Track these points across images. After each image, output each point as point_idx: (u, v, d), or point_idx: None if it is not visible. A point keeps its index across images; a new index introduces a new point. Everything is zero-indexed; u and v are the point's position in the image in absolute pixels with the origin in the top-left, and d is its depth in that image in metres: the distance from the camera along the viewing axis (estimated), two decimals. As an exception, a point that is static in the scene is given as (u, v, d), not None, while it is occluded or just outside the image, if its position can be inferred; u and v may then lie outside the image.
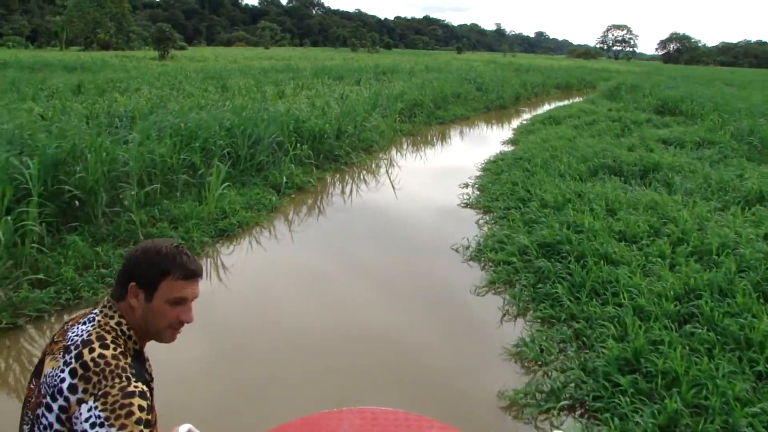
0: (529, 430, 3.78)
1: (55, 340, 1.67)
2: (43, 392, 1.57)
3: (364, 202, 9.28)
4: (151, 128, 9.07)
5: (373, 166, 11.70)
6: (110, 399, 1.48)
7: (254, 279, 6.19)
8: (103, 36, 68.83)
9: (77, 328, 1.65)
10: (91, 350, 1.56)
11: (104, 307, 1.69)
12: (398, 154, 13.26)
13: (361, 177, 10.83)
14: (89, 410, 1.48)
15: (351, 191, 9.87)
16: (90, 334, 1.60)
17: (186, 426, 1.99)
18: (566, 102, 27.21)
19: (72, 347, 1.58)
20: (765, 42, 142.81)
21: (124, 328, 1.66)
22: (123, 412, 1.47)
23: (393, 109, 15.51)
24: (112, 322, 1.65)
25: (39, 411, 1.56)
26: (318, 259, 6.79)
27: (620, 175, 9.56)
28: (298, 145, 10.33)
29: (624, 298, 4.98)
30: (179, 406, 3.69)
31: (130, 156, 7.30)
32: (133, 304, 1.68)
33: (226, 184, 8.10)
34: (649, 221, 6.87)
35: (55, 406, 1.52)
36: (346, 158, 11.33)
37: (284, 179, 9.06)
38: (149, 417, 1.53)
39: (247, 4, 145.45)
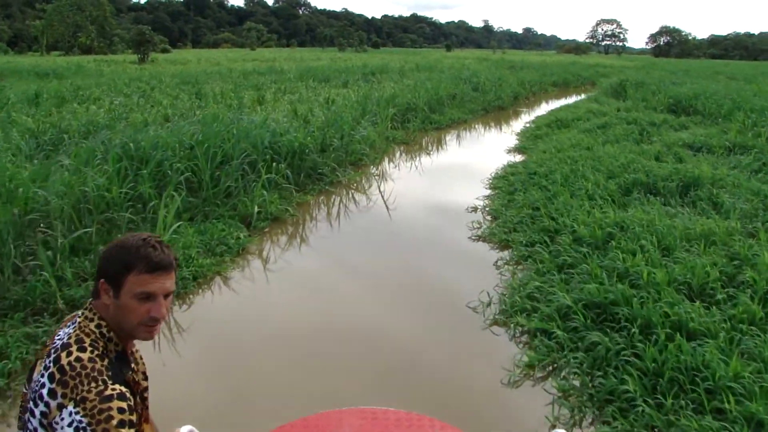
0: None
1: (47, 344, 1.66)
2: (29, 397, 1.57)
3: (353, 235, 7.69)
4: (96, 150, 7.49)
5: (364, 184, 10.13)
6: (89, 404, 1.47)
7: (206, 358, 4.61)
8: (84, 40, 67.08)
9: (62, 331, 1.64)
10: (69, 354, 1.54)
11: (86, 309, 1.67)
12: (392, 167, 11.70)
13: (350, 198, 9.26)
14: (70, 415, 1.47)
15: (338, 220, 8.26)
16: (70, 337, 1.59)
17: (187, 427, 2.01)
18: (565, 101, 25.77)
19: (53, 351, 1.57)
20: (753, 34, 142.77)
21: (104, 330, 1.64)
22: (102, 417, 1.46)
23: (384, 116, 13.95)
24: (92, 325, 1.63)
25: (25, 416, 1.57)
26: (289, 328, 5.15)
27: (657, 193, 8.03)
28: (275, 164, 8.76)
29: (727, 401, 3.45)
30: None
31: (52, 191, 5.71)
32: (105, 302, 1.65)
33: (181, 222, 6.54)
34: (717, 263, 5.34)
35: (37, 412, 1.52)
36: (331, 176, 9.75)
37: (256, 208, 7.48)
38: (131, 417, 1.52)
39: (233, 6, 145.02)
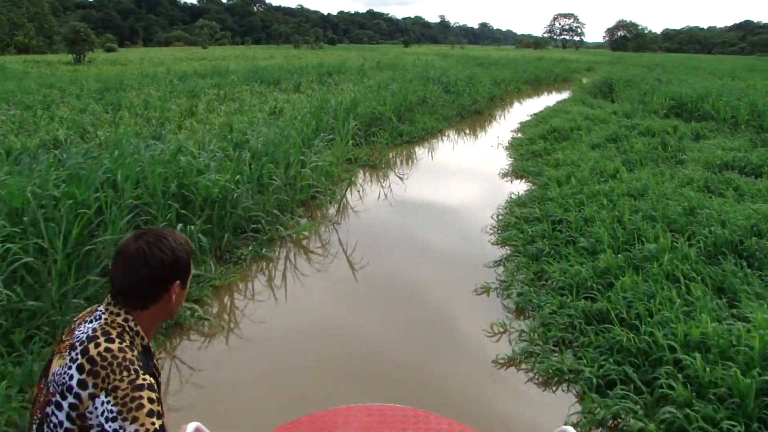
0: None
1: (63, 339, 1.66)
2: (51, 390, 1.55)
3: (295, 342, 4.77)
4: None
5: (318, 236, 7.23)
6: (120, 393, 1.48)
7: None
8: (22, 38, 62.43)
9: (84, 326, 1.63)
10: (97, 345, 1.54)
11: (109, 305, 1.65)
12: (356, 201, 8.81)
13: (295, 267, 6.35)
14: (102, 404, 1.47)
15: (275, 311, 5.36)
16: (95, 331, 1.59)
17: (194, 424, 2.02)
18: (543, 100, 23.32)
19: (77, 344, 1.57)
20: (703, 28, 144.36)
21: (132, 324, 1.63)
22: (134, 405, 1.47)
23: (344, 132, 11.07)
24: (119, 319, 1.62)
25: (48, 409, 1.54)
26: None
27: (750, 257, 5.35)
28: (183, 224, 5.84)
29: None
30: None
31: None
32: (173, 303, 1.70)
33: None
34: None
35: (65, 404, 1.50)
36: (270, 231, 6.84)
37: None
38: (159, 408, 1.52)
39: (186, 3, 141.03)
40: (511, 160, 11.45)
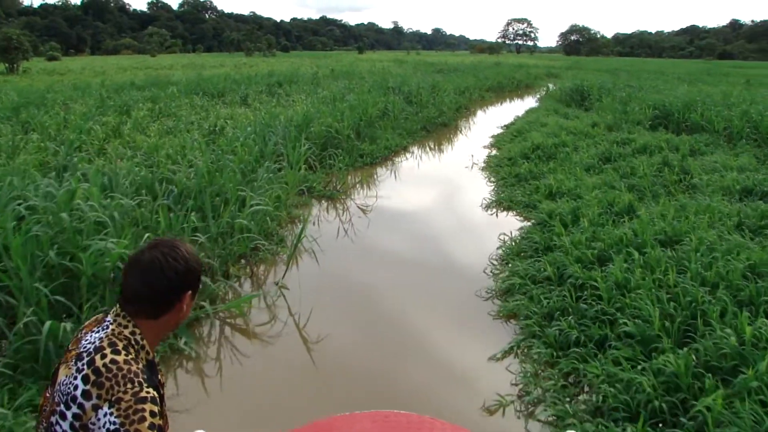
0: None
1: (69, 348, 1.65)
2: (57, 400, 1.55)
3: None
4: None
5: (259, 312, 5.43)
6: (123, 404, 1.46)
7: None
8: (-42, 47, 58.77)
9: (90, 336, 1.62)
10: (103, 356, 1.53)
11: (117, 315, 1.64)
12: (310, 246, 6.98)
13: (226, 376, 4.56)
14: (105, 416, 1.46)
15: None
16: (102, 341, 1.57)
17: None
18: (508, 108, 21.94)
19: (84, 354, 1.56)
20: (651, 33, 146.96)
21: (138, 337, 1.62)
22: (136, 417, 1.46)
23: (295, 157, 9.30)
24: (126, 332, 1.61)
25: (53, 419, 1.53)
26: None
27: None
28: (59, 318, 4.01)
29: None
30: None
31: None
32: (183, 312, 1.69)
33: None
34: None
35: (69, 414, 1.50)
36: (192, 311, 5.03)
37: None
38: (160, 422, 1.52)
39: (135, 10, 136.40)
40: (492, 185, 9.83)
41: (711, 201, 7.13)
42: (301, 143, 9.83)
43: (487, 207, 8.59)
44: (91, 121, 11.97)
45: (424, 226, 8.10)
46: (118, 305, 1.65)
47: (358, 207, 8.89)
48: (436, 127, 16.05)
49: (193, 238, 5.65)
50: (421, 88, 19.00)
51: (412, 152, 13.15)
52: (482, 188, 9.71)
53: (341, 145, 11.38)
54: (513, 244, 6.65)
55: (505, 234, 7.08)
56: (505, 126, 16.47)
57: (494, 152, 12.66)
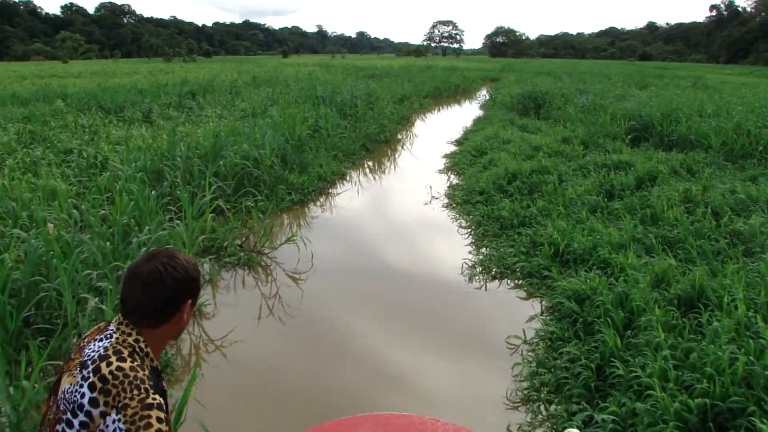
0: None
1: (72, 357, 1.65)
2: (62, 408, 1.54)
3: None
4: None
5: None
6: (130, 411, 1.47)
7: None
8: None
9: (94, 344, 1.63)
10: (109, 364, 1.54)
11: (120, 324, 1.64)
12: (217, 335, 4.34)
13: None
14: (113, 422, 1.46)
15: None
16: (107, 350, 1.58)
17: None
18: (450, 114, 19.68)
19: (89, 362, 1.56)
20: (572, 34, 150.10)
21: (142, 345, 1.63)
22: (142, 423, 1.46)
23: (195, 206, 6.55)
24: (130, 339, 1.62)
25: (58, 427, 1.53)
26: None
27: None
28: None
29: None
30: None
31: None
32: (183, 320, 1.70)
33: None
34: None
35: (75, 422, 1.50)
36: None
37: None
38: (167, 428, 1.52)
39: (48, 14, 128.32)
40: (467, 233, 7.31)
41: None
42: (207, 184, 7.08)
43: (471, 275, 6.02)
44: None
45: (380, 309, 5.53)
46: (120, 314, 1.67)
47: (288, 274, 6.25)
48: (378, 145, 13.53)
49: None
50: (355, 98, 16.41)
51: (353, 180, 10.57)
52: (453, 239, 7.19)
53: (262, 179, 8.69)
54: (536, 367, 4.14)
55: (514, 337, 4.61)
56: (456, 142, 14.12)
57: (454, 179, 10.22)
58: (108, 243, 5.13)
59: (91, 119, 13.32)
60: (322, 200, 9.09)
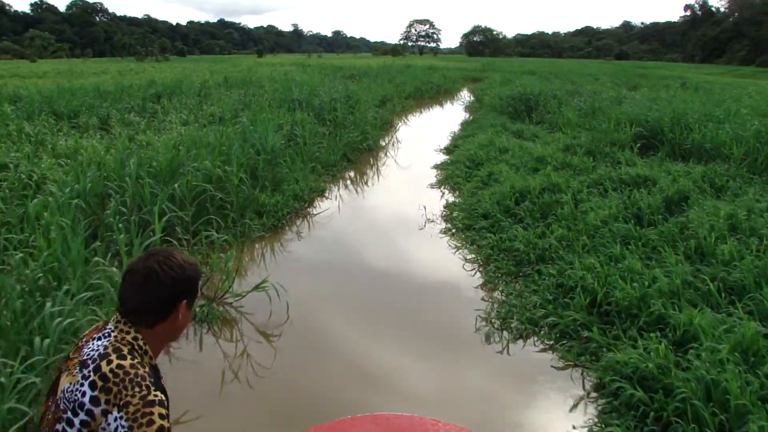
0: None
1: (71, 356, 1.64)
2: (62, 407, 1.53)
3: None
4: None
5: None
6: (132, 408, 1.46)
7: None
8: None
9: (92, 343, 1.61)
10: (109, 362, 1.52)
11: (118, 323, 1.62)
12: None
13: None
14: (115, 420, 1.45)
15: None
16: (106, 348, 1.57)
17: None
18: (433, 116, 18.55)
19: (89, 361, 1.55)
20: (548, 33, 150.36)
21: (141, 342, 1.62)
22: (144, 420, 1.45)
23: (136, 243, 5.25)
24: (129, 337, 1.60)
25: (59, 426, 1.52)
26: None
27: None
28: None
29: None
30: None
31: None
32: (179, 320, 1.66)
33: None
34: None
35: (76, 421, 1.48)
36: None
37: None
38: (169, 425, 1.51)
39: (17, 11, 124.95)
40: (473, 270, 6.09)
41: None
42: (156, 215, 5.78)
43: (486, 332, 4.82)
44: None
45: (374, 381, 4.30)
46: (118, 313, 1.65)
47: (258, 329, 5.00)
48: (360, 154, 12.29)
49: None
50: (334, 100, 15.14)
51: (334, 197, 9.31)
52: (459, 278, 5.97)
53: (229, 201, 7.40)
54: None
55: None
56: (446, 149, 12.94)
57: (449, 196, 9.02)
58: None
59: (39, 127, 11.87)
60: (298, 225, 7.80)
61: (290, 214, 7.92)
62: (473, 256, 6.43)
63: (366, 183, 10.42)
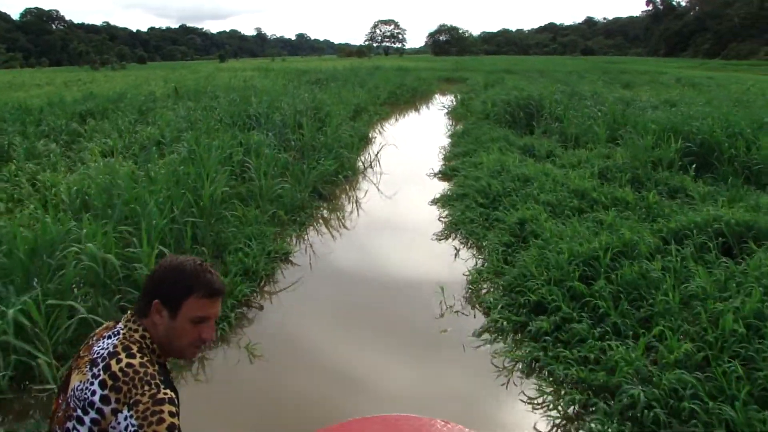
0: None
1: (81, 354, 1.62)
2: (72, 405, 1.52)
3: None
4: None
5: None
6: (141, 407, 1.44)
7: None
8: None
9: (102, 342, 1.61)
10: (119, 361, 1.52)
11: (128, 321, 1.63)
12: None
13: None
14: (125, 419, 1.44)
15: None
16: (116, 347, 1.56)
17: None
18: (413, 125, 16.10)
19: (99, 360, 1.54)
20: (512, 30, 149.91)
21: (148, 341, 1.60)
22: (154, 419, 1.43)
23: None
24: (137, 335, 1.60)
25: (69, 424, 1.51)
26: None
27: None
28: None
29: None
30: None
31: None
32: (156, 321, 1.62)
33: None
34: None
35: (87, 419, 1.48)
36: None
37: None
38: (179, 423, 1.48)
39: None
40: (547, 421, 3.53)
41: None
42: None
43: None
44: None
45: None
46: (129, 312, 1.66)
47: None
48: (336, 186, 9.62)
49: None
50: (299, 113, 12.41)
51: (302, 263, 6.59)
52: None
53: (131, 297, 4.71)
54: None
55: None
56: (441, 174, 10.38)
57: (467, 255, 6.40)
58: None
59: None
60: (248, 332, 5.04)
61: (235, 306, 5.17)
62: (542, 398, 3.80)
63: (346, 232, 7.73)
